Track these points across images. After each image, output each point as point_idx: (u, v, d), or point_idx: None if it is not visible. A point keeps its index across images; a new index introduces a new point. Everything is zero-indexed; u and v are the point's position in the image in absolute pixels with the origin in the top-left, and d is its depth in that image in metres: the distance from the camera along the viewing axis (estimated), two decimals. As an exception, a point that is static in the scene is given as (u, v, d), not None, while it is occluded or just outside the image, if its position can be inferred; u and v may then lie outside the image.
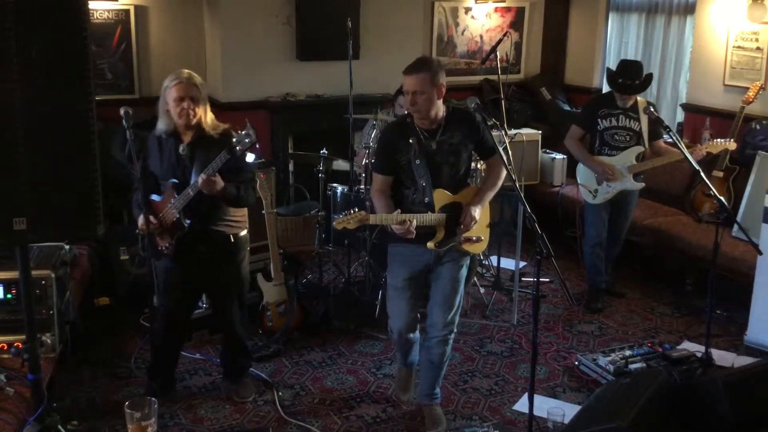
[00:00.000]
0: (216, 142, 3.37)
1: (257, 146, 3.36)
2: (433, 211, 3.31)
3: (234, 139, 3.23)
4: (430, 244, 3.32)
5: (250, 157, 3.41)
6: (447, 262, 3.43)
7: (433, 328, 3.50)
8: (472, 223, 3.33)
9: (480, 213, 3.37)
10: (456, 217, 3.35)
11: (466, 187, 3.46)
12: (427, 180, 3.29)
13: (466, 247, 3.42)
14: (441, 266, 3.44)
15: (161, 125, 3.47)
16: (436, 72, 3.25)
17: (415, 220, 3.18)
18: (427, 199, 3.32)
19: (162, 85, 3.43)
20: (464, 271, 3.51)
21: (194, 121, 3.41)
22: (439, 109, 3.33)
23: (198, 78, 3.44)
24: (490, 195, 3.45)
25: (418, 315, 3.58)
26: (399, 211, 3.21)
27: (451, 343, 3.55)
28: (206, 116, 3.46)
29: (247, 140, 3.20)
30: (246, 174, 3.56)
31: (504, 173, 3.43)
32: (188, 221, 3.44)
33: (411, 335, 3.59)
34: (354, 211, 3.14)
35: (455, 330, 3.54)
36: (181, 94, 3.36)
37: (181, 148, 3.45)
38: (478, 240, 3.44)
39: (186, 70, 3.44)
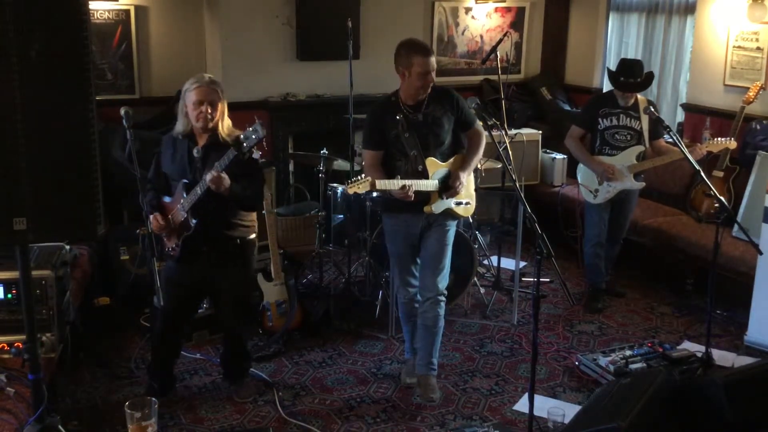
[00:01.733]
0: (229, 147, 3.37)
1: (263, 142, 3.39)
2: (426, 178, 3.60)
3: (242, 136, 3.25)
4: (426, 208, 3.64)
5: (256, 154, 3.44)
6: (435, 226, 3.75)
7: (425, 290, 3.81)
8: (460, 186, 3.65)
9: (466, 177, 3.72)
10: (446, 182, 3.66)
11: (452, 156, 3.75)
12: (418, 149, 3.60)
13: (457, 210, 3.74)
14: (429, 231, 3.76)
15: (179, 126, 3.54)
16: None
17: (413, 185, 3.49)
18: (420, 167, 3.61)
19: (183, 88, 3.49)
20: (451, 234, 3.82)
21: (211, 125, 3.45)
22: None
23: (219, 83, 3.50)
24: (475, 161, 3.80)
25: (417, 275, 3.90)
26: (399, 177, 3.52)
27: (443, 306, 3.84)
28: (223, 121, 3.50)
29: (254, 137, 3.22)
30: (256, 180, 3.57)
31: (484, 141, 3.78)
32: (194, 221, 3.45)
33: (415, 294, 3.87)
34: (361, 177, 3.41)
35: (445, 293, 3.83)
36: (200, 98, 3.41)
37: (195, 151, 3.49)
38: (467, 204, 3.80)
39: (207, 75, 3.52)
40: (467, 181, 3.77)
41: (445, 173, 3.67)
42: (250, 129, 3.23)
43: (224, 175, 3.32)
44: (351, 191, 3.41)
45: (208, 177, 3.31)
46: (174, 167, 3.56)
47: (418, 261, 3.86)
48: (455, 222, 3.87)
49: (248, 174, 3.49)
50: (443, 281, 3.81)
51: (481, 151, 3.79)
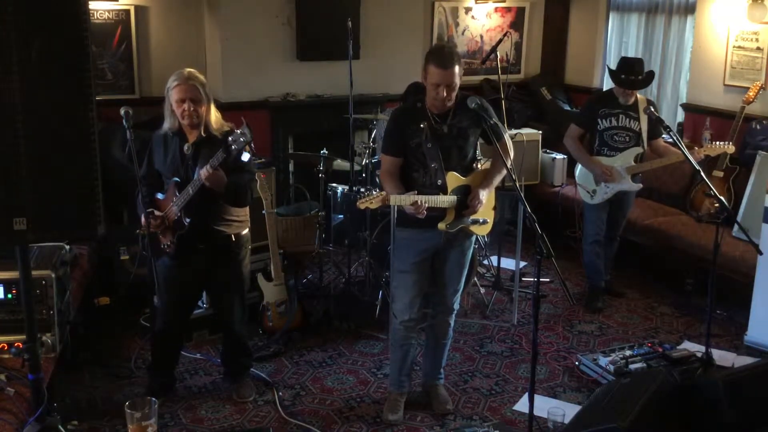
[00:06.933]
0: (220, 142, 3.36)
1: (251, 146, 3.37)
2: (445, 193, 3.39)
3: (230, 138, 3.24)
4: (441, 225, 3.41)
5: (245, 156, 3.42)
6: (455, 245, 3.55)
7: (439, 307, 3.70)
8: (479, 205, 3.44)
9: (486, 196, 3.48)
10: (465, 199, 3.45)
11: (473, 170, 3.55)
12: (439, 163, 3.38)
13: (473, 228, 3.52)
14: (449, 250, 3.55)
15: (167, 124, 3.52)
16: (461, 62, 3.37)
17: (428, 201, 3.28)
18: (440, 182, 3.39)
19: (165, 85, 3.45)
20: (470, 254, 3.66)
21: (197, 121, 3.43)
22: None
23: (200, 77, 3.45)
24: (498, 178, 3.56)
25: (423, 310, 3.70)
26: (416, 192, 3.29)
27: (454, 317, 3.75)
28: (210, 116, 3.48)
29: (242, 139, 3.20)
30: (246, 174, 3.56)
31: (511, 157, 3.54)
32: (188, 220, 3.45)
33: (413, 323, 3.62)
34: (375, 192, 3.20)
35: (457, 307, 3.73)
36: (181, 96, 3.39)
37: (185, 147, 3.48)
38: (484, 222, 3.55)
39: (188, 70, 3.45)
40: (487, 199, 3.51)
41: (464, 189, 3.45)
42: (238, 132, 3.21)
43: (220, 172, 3.32)
44: (362, 206, 3.18)
45: (203, 174, 3.30)
46: (166, 165, 3.55)
47: (425, 286, 3.61)
48: (473, 239, 3.66)
49: (238, 169, 3.47)
50: (458, 299, 3.72)
51: (505, 170, 3.44)
